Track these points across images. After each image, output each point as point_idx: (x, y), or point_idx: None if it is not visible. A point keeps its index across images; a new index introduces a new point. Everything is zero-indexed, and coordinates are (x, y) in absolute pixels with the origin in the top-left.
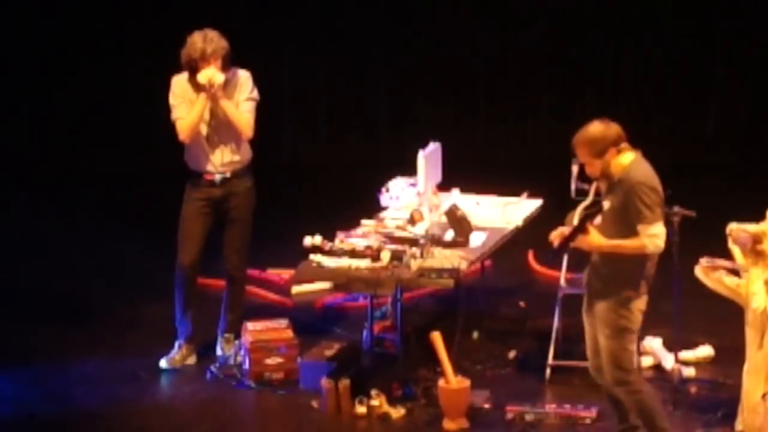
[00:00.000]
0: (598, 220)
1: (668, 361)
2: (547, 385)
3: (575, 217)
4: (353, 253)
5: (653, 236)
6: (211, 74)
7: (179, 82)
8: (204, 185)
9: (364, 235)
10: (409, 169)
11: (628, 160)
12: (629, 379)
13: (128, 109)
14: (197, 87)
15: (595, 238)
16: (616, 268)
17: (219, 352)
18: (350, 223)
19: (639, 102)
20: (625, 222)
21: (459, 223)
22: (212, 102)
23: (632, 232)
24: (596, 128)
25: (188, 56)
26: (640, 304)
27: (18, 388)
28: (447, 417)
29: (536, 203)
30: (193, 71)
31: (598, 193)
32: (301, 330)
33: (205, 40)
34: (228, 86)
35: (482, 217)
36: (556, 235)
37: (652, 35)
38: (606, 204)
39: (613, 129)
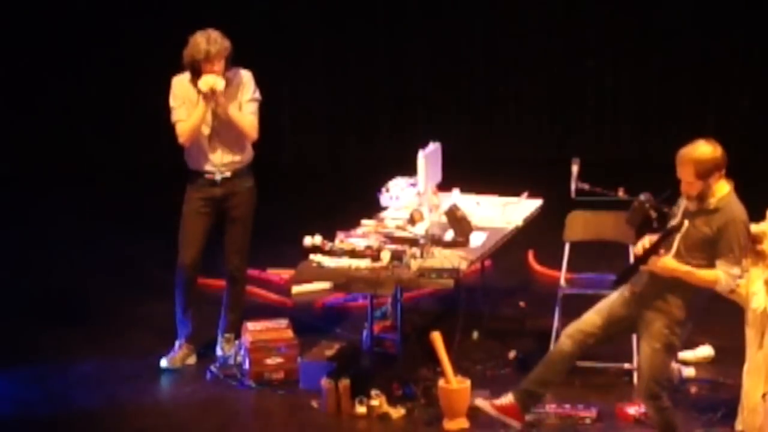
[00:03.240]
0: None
1: None
2: None
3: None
4: (353, 253)
5: (732, 276)
6: (212, 82)
7: (180, 83)
8: (205, 185)
9: (364, 235)
10: (409, 169)
11: (725, 189)
12: (661, 395)
13: (130, 108)
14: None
15: (669, 262)
16: (683, 291)
17: (219, 352)
18: (350, 223)
19: (638, 102)
20: (709, 252)
21: (459, 223)
22: (214, 107)
23: (711, 263)
24: (705, 148)
25: (191, 57)
26: (691, 325)
27: (18, 388)
28: (447, 417)
29: (536, 203)
30: (196, 71)
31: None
32: (301, 330)
33: (209, 41)
34: (230, 86)
35: (482, 217)
36: (638, 249)
37: (651, 35)
38: (686, 226)
39: (720, 152)
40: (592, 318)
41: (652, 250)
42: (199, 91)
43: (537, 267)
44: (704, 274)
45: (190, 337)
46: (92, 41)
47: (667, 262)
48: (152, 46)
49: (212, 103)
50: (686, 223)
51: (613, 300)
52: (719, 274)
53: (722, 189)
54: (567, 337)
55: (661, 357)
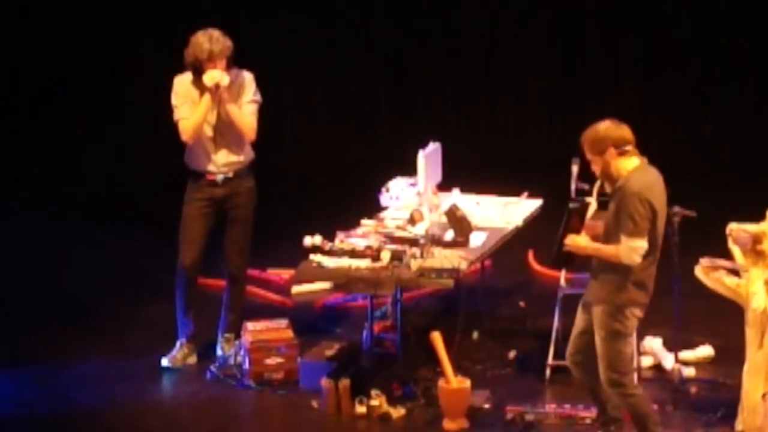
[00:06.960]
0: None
1: (668, 361)
2: (547, 385)
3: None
4: (353, 253)
5: (631, 249)
6: (217, 77)
7: (182, 83)
8: (205, 185)
9: (364, 235)
10: (409, 169)
11: (631, 165)
12: (623, 382)
13: (130, 109)
14: (202, 88)
15: (579, 240)
16: (610, 274)
17: (219, 352)
18: (350, 223)
19: (639, 102)
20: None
21: (459, 223)
22: (217, 103)
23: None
24: (601, 126)
25: (194, 57)
26: (636, 310)
27: (18, 388)
28: (447, 417)
29: (536, 203)
30: (198, 71)
31: (602, 194)
32: (301, 330)
33: (211, 41)
34: (232, 88)
35: (482, 217)
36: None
37: (652, 35)
38: (594, 206)
39: (619, 130)
40: (572, 339)
41: (565, 231)
42: (201, 90)
43: (537, 267)
44: (607, 249)
45: (191, 336)
46: (93, 43)
47: (578, 240)
48: (153, 47)
49: (216, 100)
50: (593, 203)
51: (578, 315)
52: (619, 249)
53: (628, 165)
54: (570, 363)
55: (608, 344)
